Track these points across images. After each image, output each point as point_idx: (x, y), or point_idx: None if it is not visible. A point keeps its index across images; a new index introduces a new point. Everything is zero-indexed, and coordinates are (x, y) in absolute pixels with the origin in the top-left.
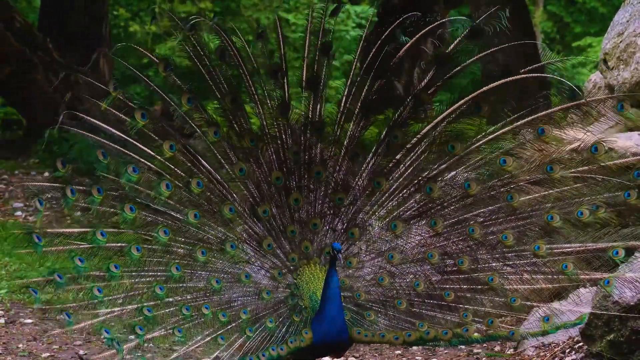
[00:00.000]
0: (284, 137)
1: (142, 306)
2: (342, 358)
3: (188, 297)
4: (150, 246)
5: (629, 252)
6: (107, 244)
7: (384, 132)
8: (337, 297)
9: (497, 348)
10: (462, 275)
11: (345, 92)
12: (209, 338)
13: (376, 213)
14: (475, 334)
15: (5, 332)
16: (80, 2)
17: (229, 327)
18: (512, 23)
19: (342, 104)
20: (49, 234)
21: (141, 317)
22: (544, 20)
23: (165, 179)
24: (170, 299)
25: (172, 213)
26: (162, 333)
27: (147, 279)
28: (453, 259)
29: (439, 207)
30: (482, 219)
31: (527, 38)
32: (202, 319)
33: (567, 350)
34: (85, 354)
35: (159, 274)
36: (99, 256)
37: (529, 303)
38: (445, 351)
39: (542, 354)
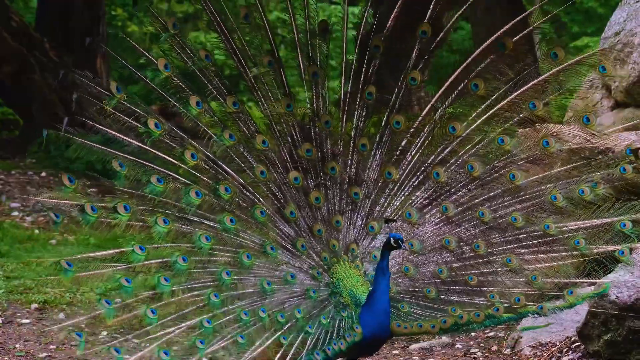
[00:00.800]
0: (293, 134)
1: (200, 319)
2: None
3: (243, 302)
4: (195, 257)
5: (636, 223)
6: (149, 261)
7: (384, 119)
8: (388, 290)
9: (495, 347)
10: (481, 260)
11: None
12: (269, 341)
13: (391, 204)
14: (506, 314)
15: (2, 332)
16: (77, 2)
17: (288, 326)
18: (508, 22)
19: (342, 97)
20: (79, 259)
21: (201, 330)
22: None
23: (194, 187)
24: (227, 307)
25: (206, 222)
26: (223, 344)
27: (199, 290)
28: (469, 244)
29: (447, 193)
30: (489, 203)
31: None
32: (261, 322)
33: (565, 350)
34: (84, 354)
35: (208, 283)
36: (142, 273)
37: (549, 280)
38: (443, 351)
39: (539, 353)
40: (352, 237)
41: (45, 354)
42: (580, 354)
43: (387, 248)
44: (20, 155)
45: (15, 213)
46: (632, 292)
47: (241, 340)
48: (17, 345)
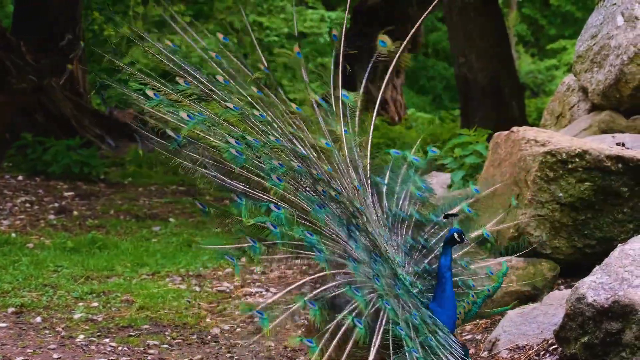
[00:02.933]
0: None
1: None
2: None
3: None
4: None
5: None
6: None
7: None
8: (453, 286)
9: (472, 351)
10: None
11: None
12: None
13: (380, 203)
14: (486, 284)
15: None
16: (53, 6)
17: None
18: (486, 26)
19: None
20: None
21: None
22: (519, 23)
23: (316, 200)
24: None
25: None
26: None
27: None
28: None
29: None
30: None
31: (501, 41)
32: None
33: (542, 353)
34: (60, 357)
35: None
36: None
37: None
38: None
39: (516, 356)
40: (384, 242)
41: (22, 358)
42: (557, 356)
43: (449, 243)
44: None
45: None
46: (609, 295)
47: (417, 355)
48: None
